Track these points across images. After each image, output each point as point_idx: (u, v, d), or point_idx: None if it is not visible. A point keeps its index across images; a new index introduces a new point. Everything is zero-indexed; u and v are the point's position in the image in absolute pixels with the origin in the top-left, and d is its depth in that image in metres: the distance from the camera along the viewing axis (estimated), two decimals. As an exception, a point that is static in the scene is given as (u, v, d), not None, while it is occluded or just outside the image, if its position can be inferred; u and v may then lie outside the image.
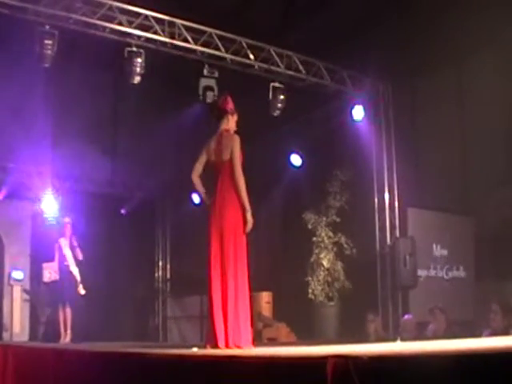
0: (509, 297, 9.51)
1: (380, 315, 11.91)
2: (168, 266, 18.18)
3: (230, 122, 6.33)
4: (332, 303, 12.33)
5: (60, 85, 13.56)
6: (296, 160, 14.14)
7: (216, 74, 11.26)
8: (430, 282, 11.83)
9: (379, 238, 12.41)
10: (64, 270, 11.45)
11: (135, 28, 10.46)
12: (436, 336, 9.74)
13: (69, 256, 11.46)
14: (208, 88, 11.24)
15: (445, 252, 12.09)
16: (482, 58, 11.45)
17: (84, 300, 11.70)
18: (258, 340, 10.97)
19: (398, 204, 12.41)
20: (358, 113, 12.52)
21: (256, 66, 11.65)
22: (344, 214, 12.43)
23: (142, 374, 4.20)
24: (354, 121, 12.60)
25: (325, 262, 12.45)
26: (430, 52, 11.62)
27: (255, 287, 6.22)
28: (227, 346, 5.73)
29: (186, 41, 10.90)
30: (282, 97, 11.82)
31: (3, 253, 14.99)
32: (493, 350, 2.86)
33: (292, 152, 14.12)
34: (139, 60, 10.50)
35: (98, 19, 10.14)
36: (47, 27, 9.79)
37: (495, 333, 8.35)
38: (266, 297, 13.44)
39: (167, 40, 10.77)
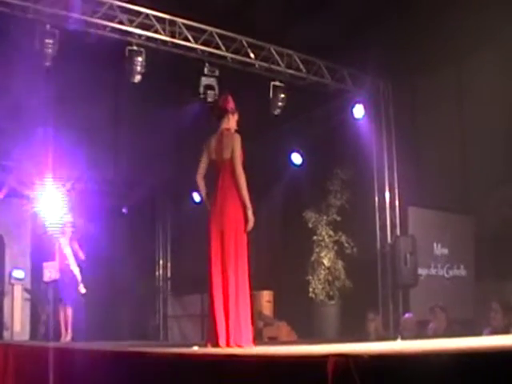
0: (509, 295, 9.52)
1: (380, 314, 11.91)
2: (169, 265, 18.19)
3: (231, 121, 6.33)
4: (332, 302, 12.33)
5: (61, 84, 13.54)
6: (296, 158, 14.14)
7: (217, 73, 11.26)
8: (431, 280, 11.84)
9: (380, 237, 12.41)
10: (64, 269, 11.46)
11: (136, 27, 10.47)
12: (436, 335, 9.74)
13: (69, 255, 11.47)
14: (209, 87, 11.24)
15: (445, 251, 12.10)
16: (482, 57, 11.45)
17: (84, 299, 11.72)
18: (258, 339, 10.98)
19: (399, 203, 12.41)
20: (359, 111, 12.52)
21: (256, 65, 11.65)
22: (344, 212, 12.42)
23: (142, 372, 4.20)
24: (354, 119, 12.61)
25: (325, 261, 12.44)
26: (430, 51, 11.62)
27: (256, 286, 6.23)
28: (228, 344, 5.74)
29: (186, 40, 10.90)
30: (282, 95, 11.83)
31: (4, 252, 14.98)
32: (493, 349, 2.86)
33: (292, 150, 14.13)
34: (140, 59, 10.50)
35: (99, 18, 10.14)
36: (48, 26, 9.80)
37: (495, 331, 8.35)
38: (266, 296, 13.45)
39: (168, 39, 10.78)
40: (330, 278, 12.39)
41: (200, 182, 6.26)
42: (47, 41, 9.76)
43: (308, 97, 12.71)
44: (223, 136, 6.23)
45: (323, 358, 2.64)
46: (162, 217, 18.30)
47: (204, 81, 11.27)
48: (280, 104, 11.87)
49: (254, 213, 6.04)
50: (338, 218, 12.48)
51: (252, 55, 11.52)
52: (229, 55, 11.32)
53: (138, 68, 10.54)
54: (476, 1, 10.33)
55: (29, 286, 14.75)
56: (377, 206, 12.55)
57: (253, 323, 6.23)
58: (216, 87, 11.24)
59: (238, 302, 5.86)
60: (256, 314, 11.46)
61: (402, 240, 11.99)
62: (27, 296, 14.67)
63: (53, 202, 14.94)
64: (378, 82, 12.65)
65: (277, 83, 11.84)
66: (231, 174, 6.06)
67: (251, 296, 6.13)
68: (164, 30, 10.70)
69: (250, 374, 3.23)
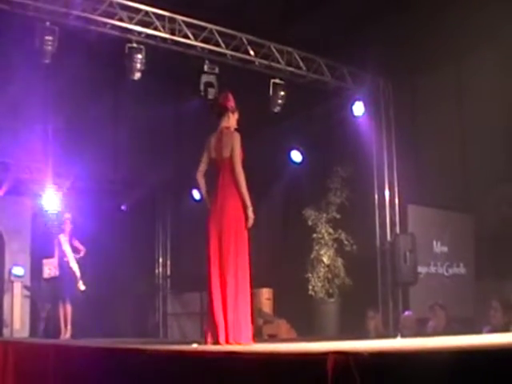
0: (509, 294, 9.52)
1: (380, 312, 11.92)
2: (168, 263, 18.18)
3: (231, 120, 6.32)
4: (332, 300, 12.34)
5: (60, 81, 13.54)
6: (296, 156, 14.13)
7: (216, 70, 11.25)
8: (430, 278, 11.85)
9: (379, 235, 12.42)
10: (64, 266, 11.47)
11: (136, 24, 10.46)
12: (436, 333, 9.74)
13: (68, 252, 11.48)
14: (209, 84, 11.23)
15: (445, 249, 12.10)
16: (482, 56, 11.44)
17: (84, 296, 11.71)
18: (258, 336, 10.97)
19: (399, 201, 12.42)
20: (359, 109, 12.51)
21: (256, 63, 11.64)
22: (344, 210, 12.42)
23: (142, 370, 4.20)
24: (354, 117, 12.60)
25: (325, 259, 12.44)
26: (430, 49, 11.62)
27: (255, 284, 6.22)
28: (227, 342, 5.74)
29: (186, 37, 10.89)
30: (282, 93, 11.82)
31: (3, 249, 14.99)
32: (493, 347, 2.86)
33: (292, 148, 14.12)
34: (139, 56, 10.49)
35: (99, 15, 10.14)
36: (48, 23, 9.79)
37: (495, 329, 8.35)
38: (266, 293, 13.44)
39: (167, 36, 10.77)
40: (330, 276, 12.39)
41: (200, 180, 6.26)
42: (47, 38, 9.74)
43: (308, 94, 12.71)
44: (223, 134, 6.22)
45: (323, 356, 2.64)
46: (161, 215, 18.30)
47: (204, 78, 11.26)
48: (280, 101, 11.86)
49: (254, 211, 6.04)
50: (338, 216, 12.47)
51: (252, 53, 11.52)
52: (229, 52, 11.31)
53: (138, 65, 10.53)
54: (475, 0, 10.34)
55: (28, 283, 14.76)
56: (376, 204, 12.55)
57: (252, 321, 6.23)
58: (215, 85, 11.23)
59: (237, 299, 5.86)
60: (256, 312, 11.45)
61: (401, 238, 12.00)
62: (27, 293, 14.68)
63: (52, 200, 14.96)
64: (377, 79, 12.65)
65: (277, 81, 11.83)
66: (231, 172, 6.06)
67: (251, 294, 6.13)
68: (164, 27, 10.69)
69: (249, 371, 3.22)
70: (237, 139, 6.15)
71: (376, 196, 12.58)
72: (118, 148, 16.24)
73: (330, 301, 12.33)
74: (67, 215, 11.87)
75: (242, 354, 3.59)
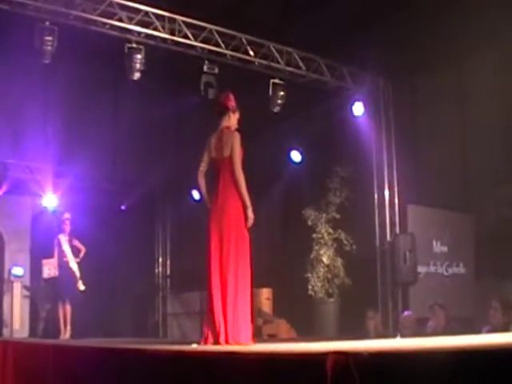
0: (508, 293, 9.52)
1: (380, 312, 11.92)
2: (168, 263, 18.19)
3: (232, 120, 6.32)
4: (332, 300, 12.33)
5: (60, 81, 13.56)
6: (296, 156, 14.14)
7: (216, 71, 11.24)
8: (430, 278, 11.85)
9: (379, 235, 12.42)
10: (63, 266, 11.46)
11: (135, 24, 10.46)
12: (435, 332, 9.74)
13: (68, 252, 11.47)
14: (208, 84, 11.23)
15: (445, 249, 12.10)
16: (482, 57, 11.44)
17: (84, 296, 11.70)
18: (258, 336, 10.96)
19: (398, 201, 12.42)
20: (358, 109, 12.51)
21: (256, 63, 11.64)
22: (344, 210, 12.42)
23: (141, 369, 4.20)
24: (354, 117, 12.60)
25: (325, 259, 12.44)
26: (431, 49, 11.62)
27: (255, 284, 6.22)
28: (227, 342, 5.74)
29: (186, 37, 10.89)
30: (281, 93, 11.82)
31: (3, 249, 14.98)
32: (492, 347, 2.86)
33: (292, 148, 14.13)
34: (139, 56, 10.49)
35: (98, 15, 10.14)
36: (47, 23, 9.79)
37: (495, 329, 8.35)
38: (266, 293, 13.44)
39: (167, 36, 10.77)
40: (330, 276, 12.39)
41: (201, 179, 6.26)
42: (46, 38, 9.74)
43: (307, 94, 12.72)
44: (223, 134, 6.22)
45: (323, 356, 2.64)
46: (161, 215, 18.30)
47: (204, 78, 11.26)
48: (279, 102, 11.86)
49: (254, 211, 6.04)
50: (338, 216, 12.47)
51: (251, 53, 11.51)
52: (228, 53, 11.31)
53: (138, 65, 10.53)
54: (476, 1, 10.34)
55: (28, 283, 14.76)
56: (376, 204, 12.55)
57: (252, 321, 6.22)
58: (215, 85, 11.23)
59: (236, 299, 5.85)
60: (255, 312, 11.46)
61: (401, 238, 12.00)
62: (26, 293, 14.68)
63: (52, 200, 14.98)
64: (377, 79, 12.64)
65: (276, 81, 11.83)
66: (231, 171, 6.06)
67: (251, 294, 6.13)
68: (163, 27, 10.69)
69: (249, 371, 3.23)
70: (237, 139, 6.15)
71: (376, 196, 12.58)
72: (117, 148, 16.25)
73: (329, 301, 12.33)
74: (67, 215, 11.85)
75: (241, 354, 3.59)
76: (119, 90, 15.09)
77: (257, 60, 11.60)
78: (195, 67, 11.31)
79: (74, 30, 10.28)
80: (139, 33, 10.57)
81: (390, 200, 12.47)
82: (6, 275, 14.73)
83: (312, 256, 12.54)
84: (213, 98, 11.00)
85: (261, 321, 12.85)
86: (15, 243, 15.01)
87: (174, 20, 10.78)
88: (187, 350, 4.66)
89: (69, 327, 11.32)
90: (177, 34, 10.80)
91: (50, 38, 9.77)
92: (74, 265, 11.47)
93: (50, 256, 11.93)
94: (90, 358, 5.07)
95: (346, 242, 12.27)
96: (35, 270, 14.07)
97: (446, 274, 12.08)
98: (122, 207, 17.02)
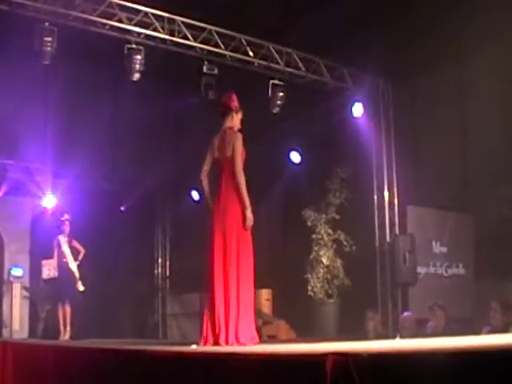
0: (508, 294, 9.52)
1: (379, 312, 11.91)
2: (168, 263, 18.18)
3: (235, 120, 6.33)
4: (331, 300, 12.34)
5: (59, 82, 13.55)
6: (295, 157, 14.14)
7: (216, 71, 11.24)
8: (430, 279, 11.84)
9: (379, 236, 12.41)
10: (63, 267, 11.46)
11: (135, 25, 10.45)
12: (435, 333, 9.74)
13: (67, 253, 11.47)
14: (208, 85, 11.23)
15: (444, 249, 12.09)
16: (483, 57, 11.43)
17: (83, 297, 11.71)
18: (257, 337, 10.96)
19: (398, 201, 12.41)
20: (358, 110, 12.50)
21: (255, 63, 11.63)
22: (343, 211, 12.42)
23: (141, 370, 4.20)
24: (353, 118, 12.59)
25: (324, 259, 12.45)
26: (431, 50, 11.61)
27: (255, 284, 6.22)
28: (227, 342, 5.74)
29: (185, 38, 10.89)
30: (281, 94, 11.81)
31: (3, 250, 14.99)
32: (492, 348, 2.86)
33: (292, 149, 14.12)
34: (139, 57, 10.49)
35: (98, 16, 10.13)
36: (47, 24, 9.79)
37: (494, 330, 8.35)
38: (265, 294, 13.45)
39: (167, 37, 10.77)
40: (329, 277, 12.39)
41: (204, 180, 6.26)
42: (46, 39, 9.74)
43: (307, 95, 12.71)
44: (226, 134, 6.24)
45: (322, 357, 2.63)
46: (160, 215, 18.30)
47: (203, 79, 11.25)
48: (279, 102, 11.85)
49: (253, 211, 6.04)
50: (337, 217, 12.48)
51: (251, 53, 11.51)
52: (228, 53, 11.30)
53: (137, 66, 10.53)
54: (476, 1, 10.33)
55: (27, 284, 14.76)
56: (376, 205, 12.54)
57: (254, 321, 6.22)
58: (214, 85, 11.22)
59: (238, 300, 5.85)
60: (255, 312, 11.46)
61: (400, 238, 11.99)
62: (26, 294, 14.68)
63: (52, 200, 14.98)
64: (377, 80, 12.63)
65: (276, 81, 11.82)
66: (233, 172, 6.07)
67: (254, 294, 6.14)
68: (163, 28, 10.69)
69: (248, 372, 3.22)
70: (239, 139, 6.16)
71: (375, 197, 12.57)
72: (117, 149, 16.26)
73: (329, 301, 12.33)
74: (66, 216, 11.85)
75: (240, 355, 3.59)
76: (119, 90, 15.09)
77: (256, 61, 11.59)
78: (195, 68, 11.31)
79: (73, 31, 10.28)
80: (139, 33, 10.57)
81: (389, 201, 12.46)
82: (5, 276, 14.73)
83: (311, 257, 12.54)
84: (213, 98, 11.00)
85: (260, 322, 12.83)
86: (15, 244, 15.02)
87: (174, 21, 10.78)
88: (187, 350, 4.66)
89: (68, 328, 11.32)
90: (176, 34, 10.80)
91: (49, 39, 9.77)
92: (73, 266, 11.47)
93: (50, 257, 11.93)
94: (90, 359, 5.07)
95: (345, 243, 12.28)
96: (35, 270, 14.07)
97: (445, 274, 12.07)
98: (122, 208, 17.02)
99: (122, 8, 10.33)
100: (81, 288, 11.47)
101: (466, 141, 12.22)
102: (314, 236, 12.56)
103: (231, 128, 6.29)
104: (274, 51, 11.67)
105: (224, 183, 6.11)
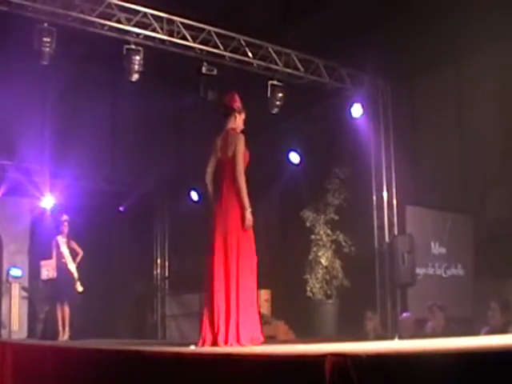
0: (508, 294, 9.52)
1: (378, 313, 11.91)
2: (167, 264, 18.16)
3: (238, 121, 6.32)
4: (330, 301, 12.34)
5: (58, 82, 13.54)
6: (294, 157, 14.13)
7: (215, 72, 11.24)
8: (429, 279, 11.83)
9: (377, 236, 12.41)
10: (62, 268, 11.46)
11: (134, 26, 10.45)
12: (434, 334, 9.73)
13: (66, 254, 11.47)
14: (207, 86, 11.23)
15: (443, 250, 12.08)
16: (482, 58, 11.44)
17: (82, 297, 11.70)
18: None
19: (397, 202, 12.40)
20: (357, 110, 12.50)
21: (254, 64, 11.64)
22: (342, 211, 12.42)
23: (140, 371, 4.20)
24: (352, 118, 12.59)
25: (323, 260, 12.44)
26: (429, 50, 11.61)
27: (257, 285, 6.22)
28: (226, 343, 5.73)
29: (184, 38, 10.89)
30: (280, 94, 11.81)
31: (2, 250, 14.99)
32: (491, 348, 2.86)
33: (290, 149, 14.12)
34: (138, 57, 10.48)
35: (97, 17, 10.13)
36: (46, 24, 9.79)
37: (494, 330, 8.34)
38: (264, 295, 13.44)
39: (166, 38, 10.77)
40: (328, 277, 12.39)
41: (208, 180, 6.26)
42: (45, 39, 9.74)
43: (306, 96, 12.71)
44: (228, 135, 6.24)
45: (321, 358, 2.63)
46: (159, 216, 18.28)
47: (203, 80, 11.26)
48: (278, 103, 11.85)
49: (252, 212, 6.04)
50: (336, 217, 12.48)
51: (250, 54, 11.51)
52: (227, 54, 11.30)
53: (136, 67, 10.52)
54: (475, 2, 10.33)
55: (26, 285, 14.76)
56: (375, 205, 12.54)
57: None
58: (213, 86, 11.23)
59: (238, 300, 5.84)
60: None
61: (399, 239, 11.99)
62: (25, 294, 14.68)
63: (51, 201, 14.97)
64: (376, 81, 12.63)
65: (275, 82, 11.82)
66: (234, 172, 6.07)
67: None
68: (162, 28, 10.69)
69: (247, 373, 3.22)
70: (241, 140, 6.16)
71: (374, 197, 12.57)
72: (115, 149, 16.25)
73: (328, 302, 12.34)
74: (65, 217, 11.85)
75: (239, 356, 3.59)
76: (117, 91, 15.08)
77: (255, 61, 11.59)
78: (194, 68, 11.31)
79: (72, 32, 10.28)
80: (138, 34, 10.57)
81: (388, 201, 12.46)
82: (4, 276, 14.73)
83: (310, 257, 12.54)
84: (212, 99, 11.01)
85: (259, 322, 12.84)
86: (14, 244, 15.02)
87: (173, 21, 10.78)
88: (185, 351, 4.65)
89: (67, 328, 11.32)
90: (175, 35, 10.80)
91: (48, 40, 9.77)
92: (72, 266, 11.46)
93: (49, 257, 11.93)
94: (89, 360, 5.07)
95: (344, 244, 12.28)
96: (34, 271, 14.08)
97: (444, 275, 12.06)
98: (121, 208, 17.02)
99: (121, 9, 10.33)
100: (80, 288, 11.46)
101: (465, 141, 12.21)
102: (312, 236, 12.56)
103: (234, 129, 6.29)
104: (272, 52, 11.68)
105: (225, 184, 6.11)
